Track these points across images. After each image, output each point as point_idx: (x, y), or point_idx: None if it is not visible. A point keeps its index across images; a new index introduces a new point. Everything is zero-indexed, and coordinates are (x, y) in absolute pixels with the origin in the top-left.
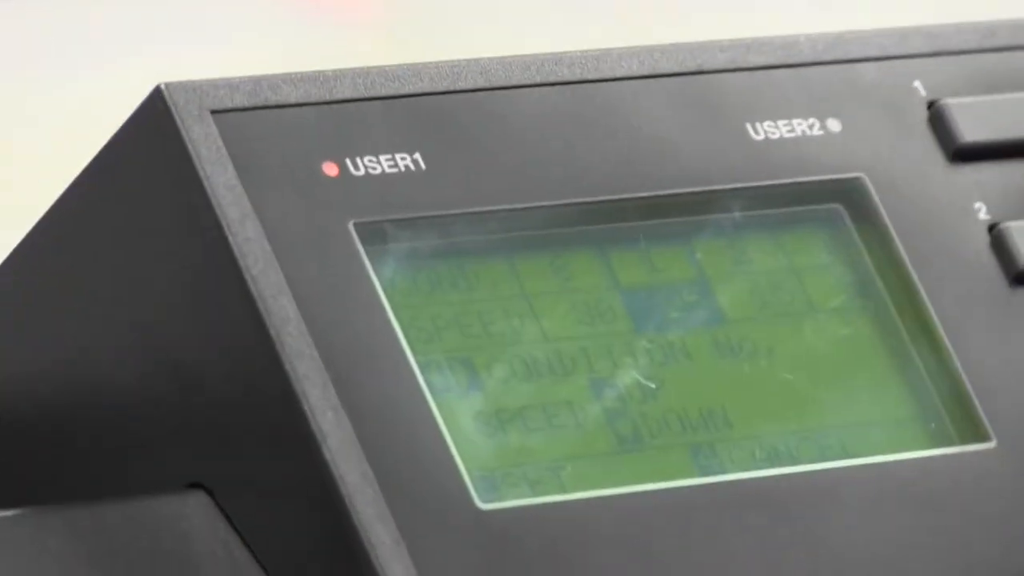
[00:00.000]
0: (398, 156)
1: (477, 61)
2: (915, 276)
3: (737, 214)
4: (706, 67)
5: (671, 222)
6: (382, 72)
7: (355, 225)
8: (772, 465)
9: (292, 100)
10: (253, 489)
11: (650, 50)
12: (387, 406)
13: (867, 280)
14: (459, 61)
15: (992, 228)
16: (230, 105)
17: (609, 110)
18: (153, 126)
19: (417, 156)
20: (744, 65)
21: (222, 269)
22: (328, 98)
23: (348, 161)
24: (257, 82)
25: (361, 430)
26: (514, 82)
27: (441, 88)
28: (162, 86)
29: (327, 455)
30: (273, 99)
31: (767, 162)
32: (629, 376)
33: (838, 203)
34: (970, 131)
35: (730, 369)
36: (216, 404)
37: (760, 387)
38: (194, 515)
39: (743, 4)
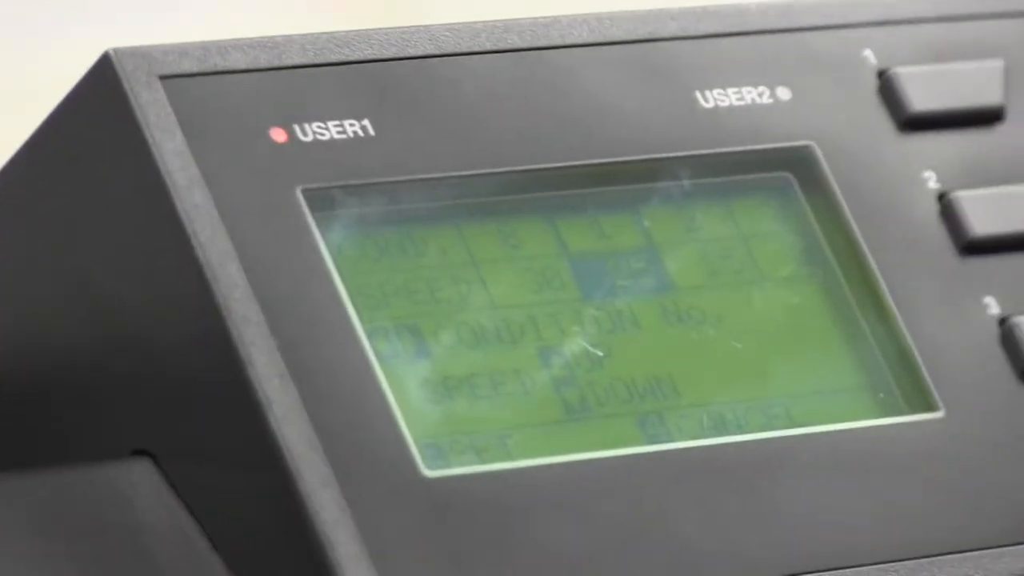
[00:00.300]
0: (347, 122)
1: (427, 28)
2: (864, 245)
3: (686, 182)
4: (656, 35)
5: (620, 189)
6: (331, 38)
7: (303, 191)
8: (720, 434)
9: (241, 66)
10: (198, 456)
11: (600, 18)
12: (334, 373)
13: (816, 249)
14: (409, 28)
15: (942, 197)
16: (179, 71)
17: (558, 78)
18: (102, 92)
19: (366, 122)
20: (694, 33)
21: (170, 235)
22: (277, 64)
23: (297, 127)
24: (206, 48)
25: (307, 397)
26: (463, 49)
27: (390, 55)
28: (111, 51)
29: (272, 422)
30: (222, 65)
31: (716, 130)
32: (577, 344)
33: (787, 171)
34: (920, 100)
35: (678, 337)
36: (162, 370)
37: (708, 356)
38: (139, 483)
39: None
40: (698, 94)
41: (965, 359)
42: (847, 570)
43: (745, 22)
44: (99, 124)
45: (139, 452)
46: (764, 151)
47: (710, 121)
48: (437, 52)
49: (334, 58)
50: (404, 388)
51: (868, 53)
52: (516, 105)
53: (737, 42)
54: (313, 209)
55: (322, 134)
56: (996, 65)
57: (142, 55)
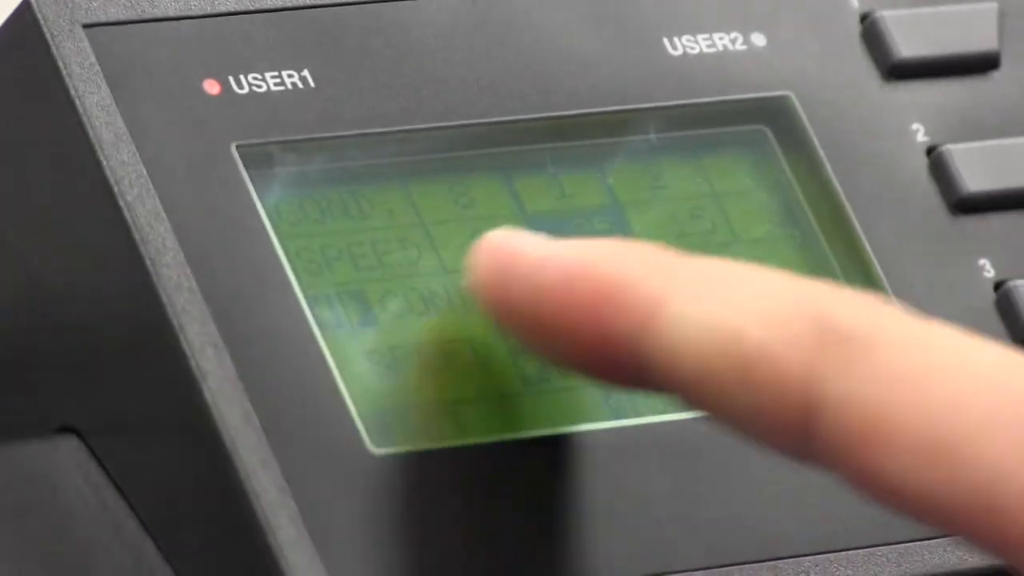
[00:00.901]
0: (285, 73)
1: None
2: (847, 203)
3: (653, 136)
4: None
5: (581, 144)
6: None
7: (238, 147)
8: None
9: (171, 13)
10: (127, 432)
11: None
12: (272, 343)
13: (794, 207)
14: None
15: (931, 151)
16: (104, 18)
17: (515, 23)
18: (22, 41)
19: (305, 73)
20: None
21: (95, 194)
22: (210, 11)
23: (231, 79)
24: None
25: (244, 368)
26: None
27: (332, 0)
28: None
29: (207, 395)
30: (150, 12)
31: (686, 79)
32: None
33: (763, 124)
34: (907, 46)
35: None
36: (88, 339)
37: None
38: (64, 461)
39: None
40: (666, 40)
41: (955, 323)
42: (832, 554)
43: None
44: (18, 76)
45: (64, 429)
46: (737, 102)
47: (679, 70)
48: None
49: (271, 4)
50: (348, 359)
51: None
52: (468, 53)
53: None
54: (249, 167)
55: (258, 86)
56: (990, 7)
57: (64, 1)
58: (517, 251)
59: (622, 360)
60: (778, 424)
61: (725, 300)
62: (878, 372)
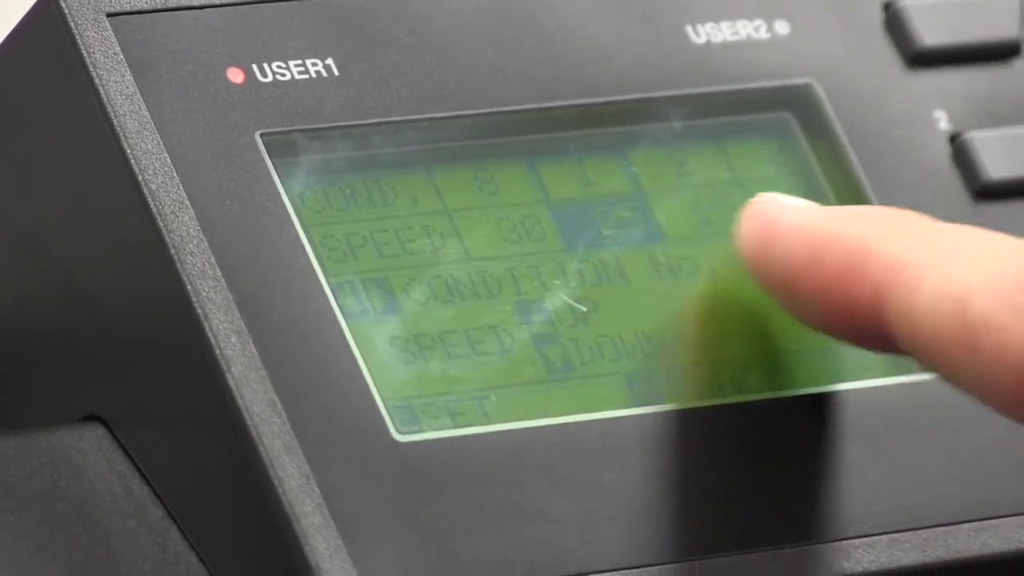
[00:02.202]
0: (309, 61)
1: None
2: (870, 190)
3: (677, 123)
4: None
5: (605, 132)
6: None
7: (262, 136)
8: (715, 395)
9: (195, 2)
10: (152, 421)
11: None
12: (297, 330)
13: (818, 194)
14: None
15: (954, 138)
16: (128, 7)
17: (539, 11)
18: (46, 30)
19: (329, 61)
20: None
21: (119, 183)
22: None
23: (255, 67)
24: None
25: (268, 356)
26: None
27: None
28: None
29: (231, 382)
30: (174, 0)
31: (709, 67)
32: (559, 298)
33: (786, 111)
34: (930, 33)
35: (669, 291)
36: (114, 329)
37: (701, 311)
38: (89, 449)
39: None
40: (689, 28)
41: None
42: (855, 540)
43: None
44: (43, 65)
45: (90, 417)
46: (761, 90)
47: (702, 58)
48: None
49: None
50: (373, 347)
51: None
52: (493, 41)
53: None
54: (273, 155)
55: (282, 74)
56: None
57: None
58: (774, 220)
59: (867, 324)
60: (1003, 390)
61: (956, 269)
62: None
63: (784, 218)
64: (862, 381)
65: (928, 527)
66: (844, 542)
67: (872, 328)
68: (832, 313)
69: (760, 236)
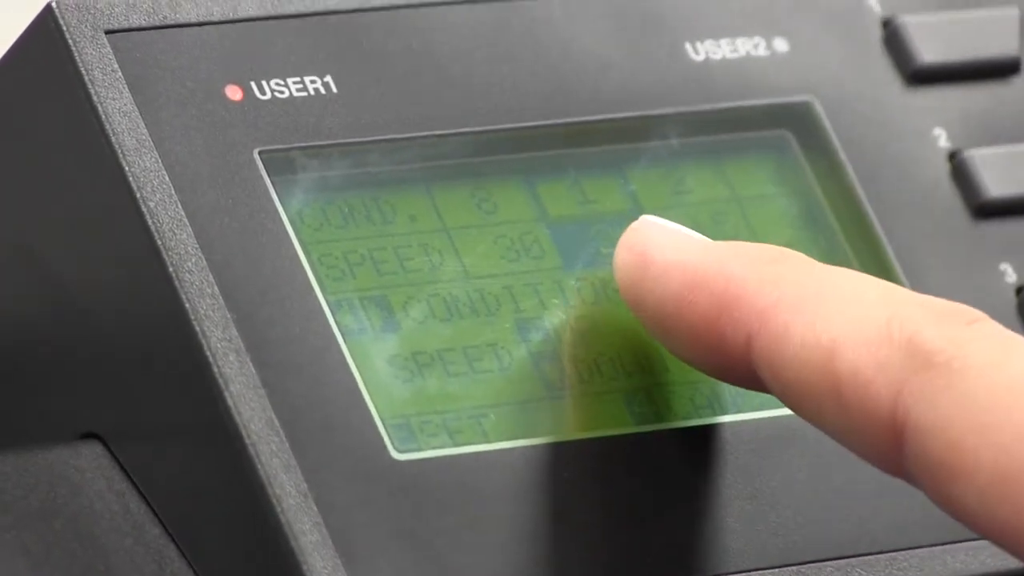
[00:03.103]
0: (307, 79)
1: None
2: (868, 208)
3: (675, 141)
4: None
5: (603, 150)
6: None
7: (260, 153)
8: (714, 413)
9: (193, 19)
10: (150, 439)
11: None
12: (295, 349)
13: (816, 212)
14: None
15: (952, 156)
16: (126, 24)
17: (537, 28)
18: (44, 47)
19: (328, 79)
20: None
21: (117, 201)
22: (232, 16)
23: (253, 84)
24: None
25: (266, 375)
26: None
27: (354, 6)
28: (53, 4)
29: (229, 401)
30: (172, 18)
31: (708, 84)
32: (558, 316)
33: (785, 129)
34: (929, 51)
35: None
36: (112, 346)
37: None
38: (88, 467)
39: None
40: (688, 45)
41: None
42: (853, 559)
43: None
44: (41, 82)
45: (88, 435)
46: (759, 107)
47: (701, 75)
48: (405, 2)
49: (293, 9)
50: (371, 365)
51: (872, 0)
52: (490, 59)
53: None
54: (271, 172)
55: (281, 92)
56: (1011, 14)
57: (87, 8)
58: (646, 254)
59: (737, 366)
60: (870, 442)
61: (825, 317)
62: (954, 398)
63: (658, 254)
64: None
65: (927, 546)
66: (842, 561)
67: (743, 370)
68: (703, 352)
69: (634, 268)
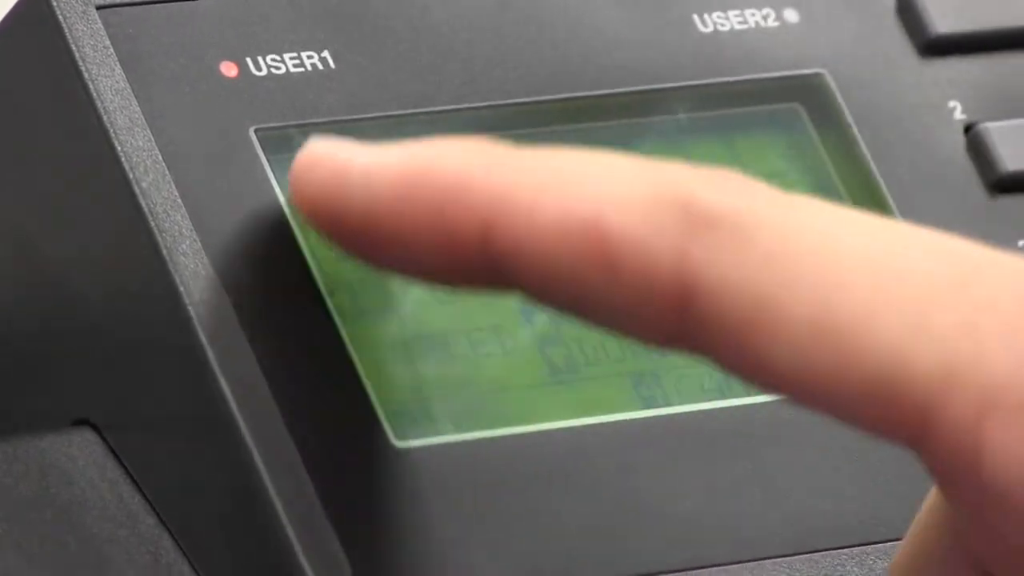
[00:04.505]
0: (304, 54)
1: None
2: (882, 183)
3: (683, 115)
4: None
5: (609, 125)
6: None
7: (257, 131)
8: (723, 397)
9: None
10: (144, 426)
11: None
12: (292, 333)
13: (829, 187)
14: None
15: (968, 129)
16: (118, 0)
17: (540, 1)
18: (34, 23)
19: (325, 54)
20: None
21: (109, 181)
22: None
23: (249, 60)
24: None
25: (263, 359)
26: None
27: None
28: None
29: (225, 388)
30: None
31: (717, 57)
32: None
33: (796, 102)
34: (943, 21)
35: None
36: (105, 331)
37: None
38: (80, 455)
39: None
40: (696, 17)
41: None
42: (868, 547)
43: None
44: (31, 60)
45: (80, 422)
46: (770, 80)
47: (709, 47)
48: None
49: None
50: (371, 349)
51: None
52: (492, 32)
53: None
54: (268, 151)
55: (277, 68)
56: None
57: None
58: (345, 160)
59: (471, 261)
60: (648, 316)
61: (578, 188)
62: (755, 257)
63: (359, 158)
64: None
65: None
66: (857, 548)
67: (476, 265)
68: (427, 255)
69: (328, 180)
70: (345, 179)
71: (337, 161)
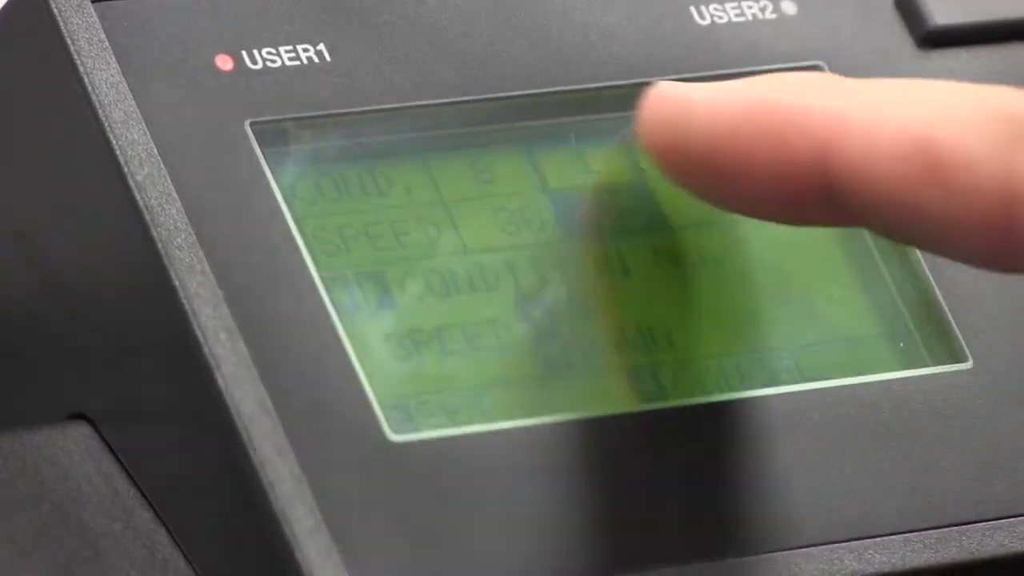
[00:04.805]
0: (300, 47)
1: None
2: None
3: None
4: None
5: (606, 118)
6: None
7: (252, 125)
8: (721, 390)
9: None
10: (140, 420)
11: None
12: (288, 327)
13: None
14: None
15: None
16: None
17: None
18: (29, 17)
19: (321, 47)
20: None
21: (104, 175)
22: None
23: (244, 53)
24: None
25: (259, 354)
26: None
27: None
28: None
29: (220, 381)
30: None
31: (714, 49)
32: (559, 291)
33: None
34: (942, 13)
35: (673, 282)
36: (100, 325)
37: (707, 302)
38: (76, 449)
39: None
40: (693, 9)
41: (996, 303)
42: (866, 540)
43: None
44: (26, 53)
45: (75, 416)
46: (768, 72)
47: (707, 39)
48: None
49: None
50: (367, 343)
51: None
52: (488, 25)
53: None
54: (263, 144)
55: (272, 61)
56: None
57: None
58: (687, 99)
59: (810, 187)
60: (976, 228)
61: (910, 108)
62: None
63: (701, 95)
64: (873, 375)
65: (941, 527)
66: (855, 542)
67: (814, 192)
68: (766, 184)
69: (673, 115)
70: (690, 114)
71: (682, 98)
